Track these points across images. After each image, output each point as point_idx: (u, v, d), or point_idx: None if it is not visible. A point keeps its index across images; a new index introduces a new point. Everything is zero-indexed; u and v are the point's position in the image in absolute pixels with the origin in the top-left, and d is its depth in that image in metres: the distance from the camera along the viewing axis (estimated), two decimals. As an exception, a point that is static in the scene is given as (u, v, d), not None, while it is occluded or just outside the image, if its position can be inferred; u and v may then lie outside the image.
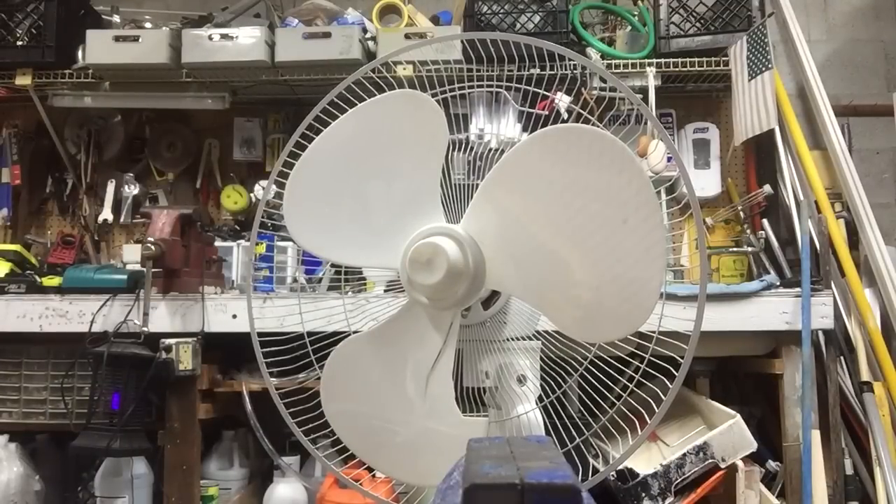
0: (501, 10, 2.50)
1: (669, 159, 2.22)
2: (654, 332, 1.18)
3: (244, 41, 2.46)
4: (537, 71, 1.98)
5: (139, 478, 2.09)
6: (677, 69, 2.50)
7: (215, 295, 2.21)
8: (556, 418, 1.29)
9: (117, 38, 2.51)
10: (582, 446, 1.30)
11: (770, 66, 2.28)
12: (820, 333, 2.29)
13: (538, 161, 1.09)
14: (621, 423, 1.29)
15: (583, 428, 1.30)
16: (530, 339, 1.33)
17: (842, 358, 2.35)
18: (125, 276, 2.21)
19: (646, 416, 1.20)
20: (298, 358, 1.38)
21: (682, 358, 1.14)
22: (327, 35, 2.46)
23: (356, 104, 1.26)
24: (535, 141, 1.10)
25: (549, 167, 1.09)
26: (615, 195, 1.04)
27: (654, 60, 2.50)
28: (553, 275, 1.12)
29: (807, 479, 2.05)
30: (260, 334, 1.37)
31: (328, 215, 1.25)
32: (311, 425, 1.31)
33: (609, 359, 1.30)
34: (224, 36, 2.47)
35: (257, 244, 2.21)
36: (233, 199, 2.76)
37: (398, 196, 1.21)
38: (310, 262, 2.38)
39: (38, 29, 2.58)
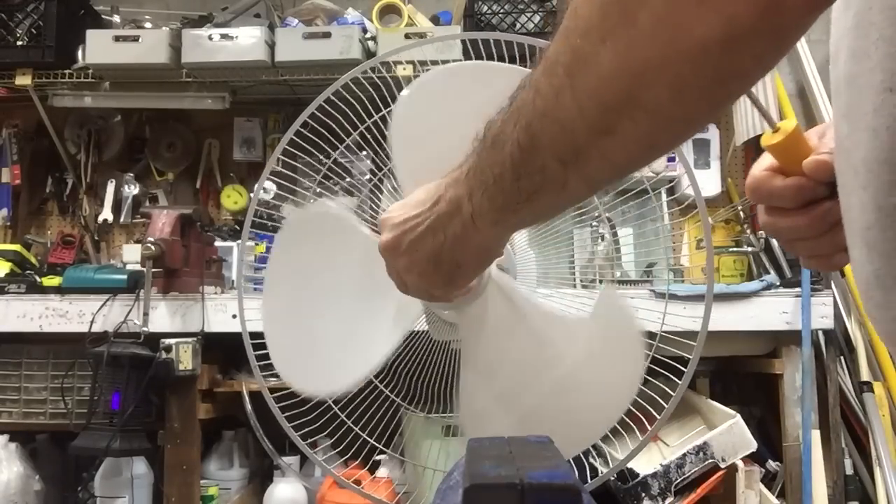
0: (501, 10, 2.50)
1: (670, 160, 2.22)
2: (654, 333, 1.18)
3: (244, 41, 2.46)
4: (537, 71, 1.98)
5: (139, 478, 2.09)
6: (677, 69, 2.49)
7: (215, 295, 2.21)
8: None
9: (117, 38, 2.51)
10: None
11: (770, 65, 2.27)
12: (820, 333, 2.29)
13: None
14: (621, 423, 1.28)
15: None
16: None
17: (842, 358, 2.35)
18: (125, 276, 2.20)
19: (648, 415, 1.19)
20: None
21: (682, 359, 1.14)
22: (327, 35, 2.46)
23: (354, 104, 1.26)
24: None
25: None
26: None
27: (655, 60, 2.49)
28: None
29: (807, 479, 2.05)
30: (255, 335, 1.37)
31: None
32: (308, 428, 1.31)
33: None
34: (224, 36, 2.47)
35: (257, 244, 2.21)
36: (233, 199, 2.76)
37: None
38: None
39: (38, 29, 2.58)
